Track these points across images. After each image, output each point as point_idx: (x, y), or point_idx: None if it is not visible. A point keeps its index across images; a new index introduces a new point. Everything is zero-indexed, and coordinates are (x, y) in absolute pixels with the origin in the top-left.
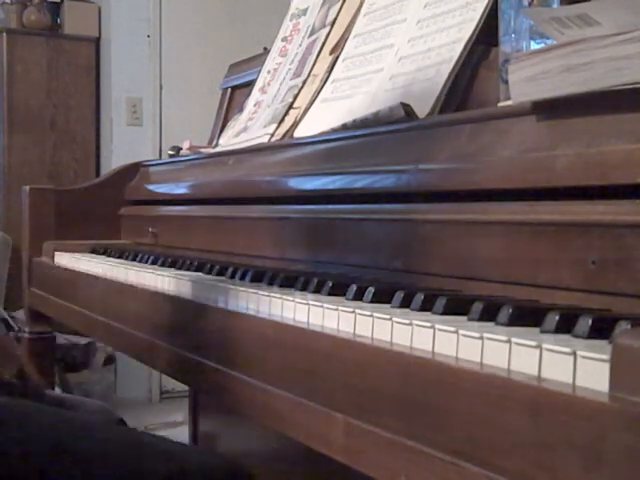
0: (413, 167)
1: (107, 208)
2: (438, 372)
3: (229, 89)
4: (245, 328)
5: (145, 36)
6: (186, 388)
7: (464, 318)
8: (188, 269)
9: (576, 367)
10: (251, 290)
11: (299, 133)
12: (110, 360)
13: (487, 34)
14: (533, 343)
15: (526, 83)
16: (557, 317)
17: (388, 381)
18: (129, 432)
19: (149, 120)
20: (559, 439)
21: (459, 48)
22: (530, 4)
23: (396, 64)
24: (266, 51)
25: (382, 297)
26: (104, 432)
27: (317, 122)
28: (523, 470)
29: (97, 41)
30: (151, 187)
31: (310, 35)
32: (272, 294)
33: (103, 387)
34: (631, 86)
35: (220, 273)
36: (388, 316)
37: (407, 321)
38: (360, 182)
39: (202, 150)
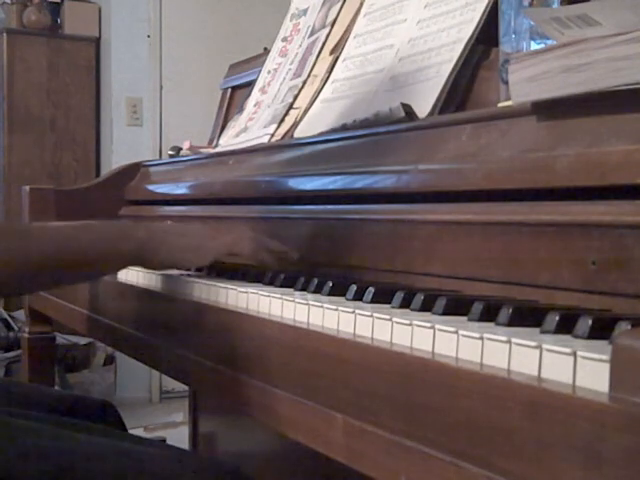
0: (413, 167)
1: (107, 208)
2: (438, 372)
3: (229, 89)
4: (245, 328)
5: (145, 36)
6: (186, 388)
7: (464, 318)
8: (188, 269)
9: (576, 367)
10: (251, 290)
11: (299, 133)
12: (110, 360)
13: (487, 34)
14: (533, 343)
15: (526, 83)
16: (557, 317)
17: (388, 381)
18: (121, 442)
19: (149, 120)
20: (559, 439)
21: (459, 48)
22: (530, 4)
23: (396, 64)
24: (266, 51)
25: (382, 297)
26: (95, 444)
27: (317, 122)
28: (523, 470)
29: (97, 41)
30: (151, 187)
31: (310, 35)
32: (272, 294)
33: (103, 387)
34: (631, 86)
35: (220, 273)
36: (388, 316)
37: (407, 321)
38: (360, 182)
39: (202, 150)
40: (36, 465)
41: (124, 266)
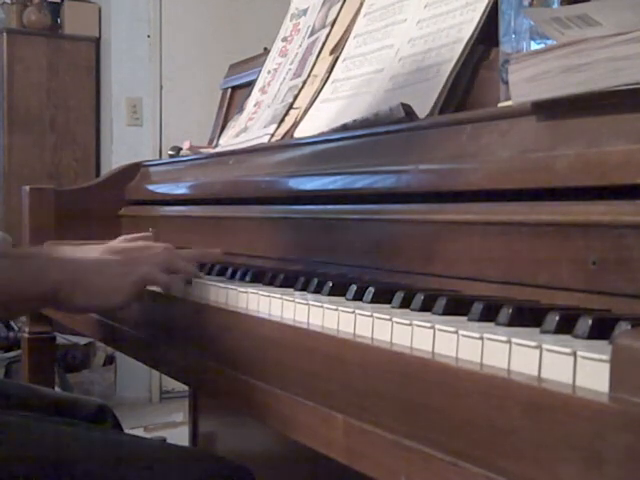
0: (413, 167)
1: (107, 208)
2: (438, 372)
3: (229, 89)
4: (245, 328)
5: (145, 36)
6: (186, 388)
7: (464, 318)
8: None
9: (576, 367)
10: (251, 290)
11: (299, 133)
12: (110, 360)
13: (487, 34)
14: (533, 343)
15: (526, 83)
16: (557, 317)
17: (388, 381)
18: (122, 441)
19: (149, 120)
20: (559, 439)
21: (459, 48)
22: (530, 4)
23: (396, 64)
24: (266, 51)
25: (382, 297)
26: (94, 445)
27: (317, 122)
28: (523, 470)
29: (97, 41)
30: (151, 187)
31: (310, 35)
32: (272, 294)
33: (103, 387)
34: (631, 86)
35: (220, 273)
36: (388, 316)
37: (407, 321)
38: (360, 182)
39: (202, 150)
40: (34, 462)
41: (37, 310)
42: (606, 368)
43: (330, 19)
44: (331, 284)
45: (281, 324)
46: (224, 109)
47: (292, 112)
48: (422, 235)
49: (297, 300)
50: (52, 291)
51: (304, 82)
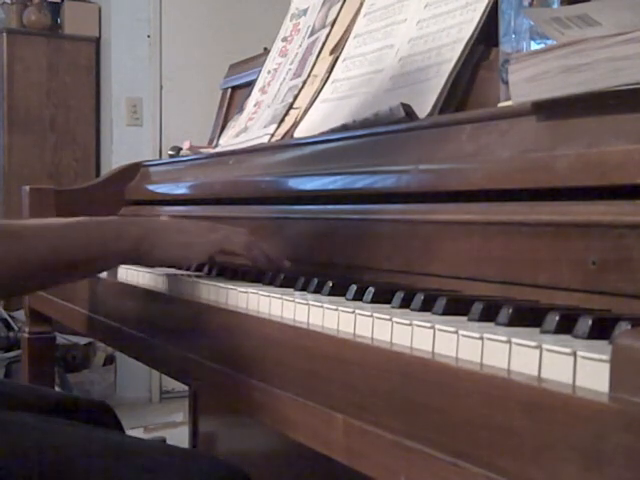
0: (413, 167)
1: (107, 208)
2: (438, 372)
3: (229, 89)
4: (245, 328)
5: (145, 36)
6: (186, 388)
7: (464, 318)
8: (187, 269)
9: (576, 367)
10: (251, 290)
11: (299, 133)
12: (110, 360)
13: (487, 34)
14: (533, 343)
15: (526, 83)
16: (557, 317)
17: (388, 381)
18: (120, 441)
19: (149, 120)
20: (559, 439)
21: (459, 48)
22: (530, 4)
23: (396, 64)
24: (266, 51)
25: (382, 297)
26: (94, 445)
27: (317, 122)
28: (523, 470)
29: (97, 41)
30: (151, 187)
31: (310, 35)
32: (272, 294)
33: (103, 387)
34: (631, 86)
35: (220, 273)
36: (388, 316)
37: (407, 321)
38: (360, 182)
39: (202, 150)
40: (34, 462)
41: (120, 264)
42: (606, 368)
43: (330, 19)
44: (331, 284)
45: (281, 324)
46: (224, 109)
47: (292, 112)
48: (422, 235)
49: (297, 300)
50: (133, 246)
51: (304, 82)
